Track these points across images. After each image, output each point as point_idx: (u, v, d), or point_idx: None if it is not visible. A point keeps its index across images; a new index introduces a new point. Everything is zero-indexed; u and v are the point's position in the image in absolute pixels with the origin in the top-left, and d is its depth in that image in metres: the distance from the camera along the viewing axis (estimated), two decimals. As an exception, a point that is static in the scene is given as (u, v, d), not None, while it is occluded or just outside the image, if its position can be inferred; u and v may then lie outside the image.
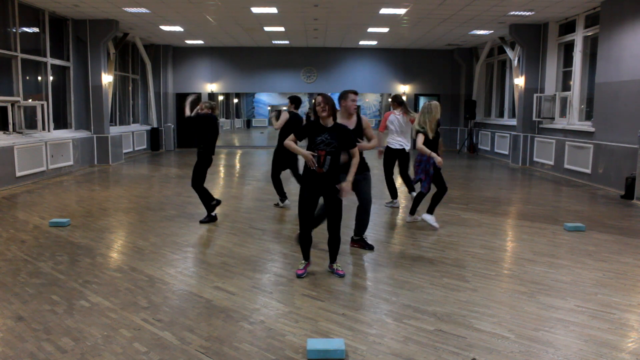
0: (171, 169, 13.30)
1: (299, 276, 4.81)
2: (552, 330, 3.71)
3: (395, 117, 8.01)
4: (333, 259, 4.97)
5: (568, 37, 12.70)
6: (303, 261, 4.95)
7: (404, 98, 20.17)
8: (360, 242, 5.81)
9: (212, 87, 19.07)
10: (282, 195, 8.22)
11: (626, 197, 9.07)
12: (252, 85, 20.13)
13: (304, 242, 4.90)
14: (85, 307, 4.09)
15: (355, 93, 5.50)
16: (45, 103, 11.71)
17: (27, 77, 11.66)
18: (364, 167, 5.50)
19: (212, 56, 18.91)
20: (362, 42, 17.69)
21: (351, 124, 5.43)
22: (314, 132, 4.69)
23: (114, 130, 14.88)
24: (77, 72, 13.48)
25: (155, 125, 18.23)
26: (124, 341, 3.51)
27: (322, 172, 4.64)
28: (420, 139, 6.47)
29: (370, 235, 6.55)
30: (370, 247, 5.77)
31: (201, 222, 6.98)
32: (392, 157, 8.09)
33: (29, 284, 4.63)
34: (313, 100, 4.93)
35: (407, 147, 8.07)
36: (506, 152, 15.53)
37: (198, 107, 7.02)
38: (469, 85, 18.77)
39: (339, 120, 5.07)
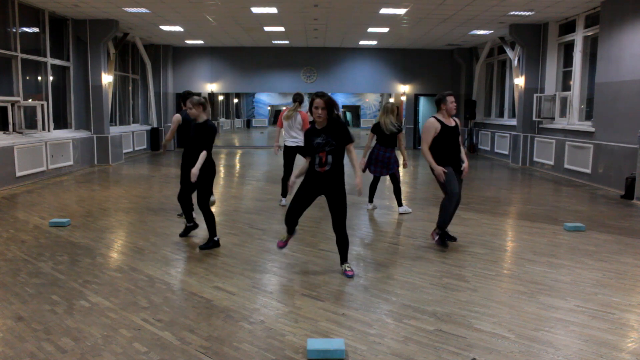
0: (171, 169, 13.29)
1: (280, 247, 5.09)
2: (552, 330, 3.71)
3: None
4: (344, 259, 4.94)
5: (568, 37, 12.70)
6: (288, 235, 5.07)
7: (404, 98, 20.25)
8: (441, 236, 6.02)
9: (212, 87, 19.07)
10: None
11: (626, 197, 9.07)
12: (252, 85, 20.14)
13: (290, 221, 4.95)
14: (85, 307, 4.09)
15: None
16: (45, 103, 11.71)
17: (27, 77, 11.66)
18: (457, 163, 5.90)
19: (212, 56, 18.91)
20: (362, 42, 17.68)
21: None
22: (309, 137, 4.69)
23: (114, 130, 14.88)
24: (77, 72, 13.48)
25: (155, 125, 18.23)
26: (124, 341, 3.50)
27: (325, 170, 4.63)
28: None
29: (369, 235, 6.55)
30: (446, 244, 5.87)
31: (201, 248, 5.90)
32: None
33: (29, 284, 4.63)
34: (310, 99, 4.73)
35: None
36: (506, 152, 15.53)
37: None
38: (469, 85, 18.77)
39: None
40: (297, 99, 8.11)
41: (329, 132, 4.61)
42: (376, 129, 7.54)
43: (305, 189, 4.77)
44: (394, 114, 7.53)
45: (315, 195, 4.77)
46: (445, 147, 5.70)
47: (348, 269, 4.88)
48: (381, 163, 7.58)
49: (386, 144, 7.53)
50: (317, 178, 4.69)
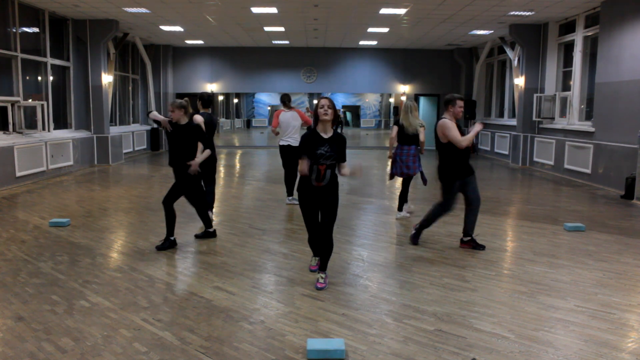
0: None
1: (312, 271, 4.92)
2: (552, 330, 3.71)
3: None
4: (321, 267, 4.59)
5: (568, 37, 12.70)
6: (315, 257, 5.01)
7: (404, 98, 20.24)
8: (470, 243, 5.86)
9: (212, 87, 19.07)
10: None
11: (626, 197, 9.07)
12: (252, 85, 20.15)
13: (313, 243, 4.90)
14: (85, 307, 4.09)
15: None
16: (45, 103, 11.71)
17: (27, 77, 11.66)
18: (469, 170, 5.71)
19: (212, 56, 18.91)
20: (362, 42, 17.68)
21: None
22: (314, 144, 4.39)
23: (114, 130, 14.88)
24: (77, 72, 13.48)
25: (155, 125, 18.23)
26: (124, 341, 3.51)
27: (322, 186, 4.44)
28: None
29: (369, 235, 6.55)
30: (481, 247, 5.80)
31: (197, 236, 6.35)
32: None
33: (29, 284, 4.63)
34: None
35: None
36: (506, 152, 15.53)
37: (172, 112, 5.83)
38: (469, 85, 18.77)
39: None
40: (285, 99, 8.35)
41: (334, 144, 4.41)
42: (400, 127, 7.23)
43: (307, 203, 4.55)
44: (417, 111, 7.30)
45: (317, 207, 4.56)
46: (461, 153, 5.65)
47: (321, 280, 4.54)
48: (403, 163, 7.19)
49: (408, 141, 7.17)
50: (314, 192, 4.48)
